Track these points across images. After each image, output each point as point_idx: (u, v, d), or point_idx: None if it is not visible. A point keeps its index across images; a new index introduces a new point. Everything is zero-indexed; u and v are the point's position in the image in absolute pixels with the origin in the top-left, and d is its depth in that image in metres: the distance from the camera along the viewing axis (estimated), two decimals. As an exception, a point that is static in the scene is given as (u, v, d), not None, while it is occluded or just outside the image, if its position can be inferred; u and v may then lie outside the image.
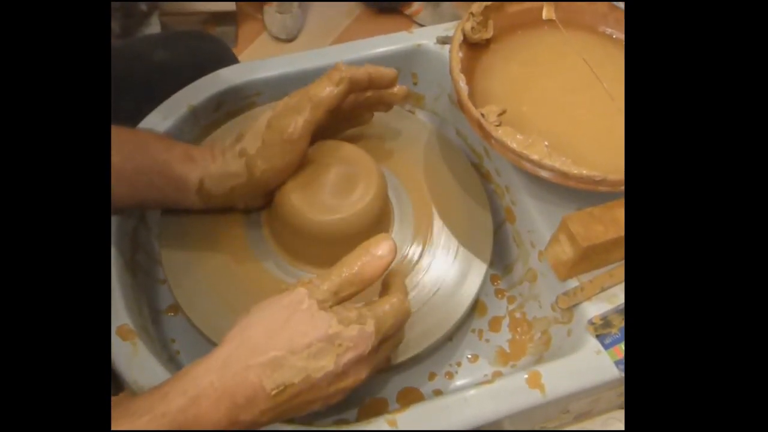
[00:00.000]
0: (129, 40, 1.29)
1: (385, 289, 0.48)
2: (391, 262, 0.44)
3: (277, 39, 1.67)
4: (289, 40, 1.67)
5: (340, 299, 0.43)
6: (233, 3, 1.60)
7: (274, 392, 0.39)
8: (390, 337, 0.46)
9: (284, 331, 0.40)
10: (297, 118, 0.51)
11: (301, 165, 0.54)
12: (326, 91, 0.51)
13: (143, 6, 1.34)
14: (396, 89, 0.58)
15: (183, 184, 0.52)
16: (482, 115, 0.54)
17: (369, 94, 0.58)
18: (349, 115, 0.60)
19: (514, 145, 0.52)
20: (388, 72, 0.56)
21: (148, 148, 0.52)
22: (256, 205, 0.57)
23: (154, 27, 1.42)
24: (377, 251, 0.44)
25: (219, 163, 0.53)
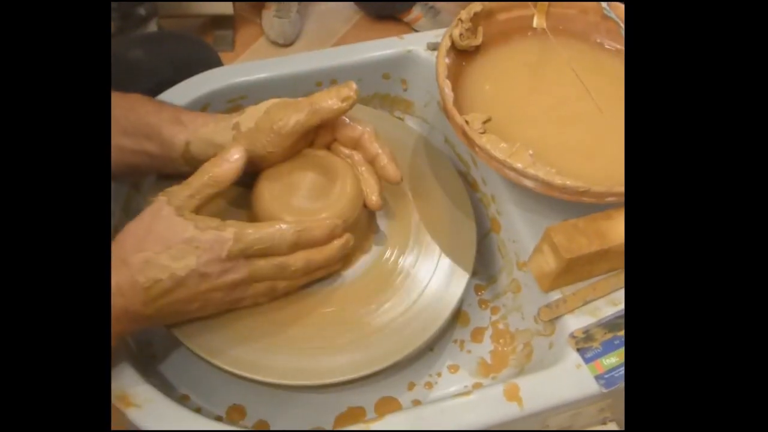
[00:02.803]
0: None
1: None
2: (243, 165, 0.49)
3: (275, 44, 1.67)
4: (287, 45, 1.67)
5: (199, 201, 0.48)
6: (231, 7, 1.60)
7: (146, 285, 0.45)
8: (263, 255, 0.48)
9: (149, 236, 0.46)
10: (292, 115, 0.51)
11: (282, 162, 0.54)
12: (328, 102, 0.51)
13: (142, 11, 1.33)
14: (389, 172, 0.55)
15: (170, 147, 0.53)
16: (466, 122, 0.53)
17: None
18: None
19: (497, 154, 0.51)
20: (394, 171, 0.55)
21: (137, 110, 0.53)
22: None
23: (151, 30, 1.42)
24: (230, 157, 0.49)
25: (209, 129, 0.53)
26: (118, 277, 0.45)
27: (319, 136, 0.56)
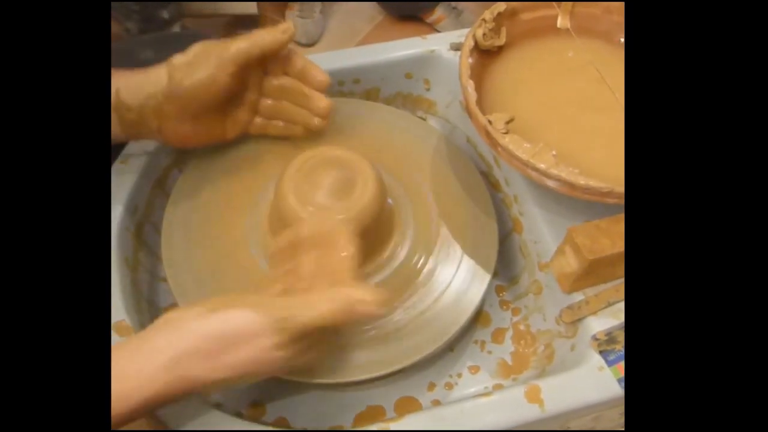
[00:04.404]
0: (124, 38, 1.29)
1: None
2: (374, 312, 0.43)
3: (298, 43, 1.67)
4: (310, 45, 1.67)
5: None
6: (255, 7, 1.60)
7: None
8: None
9: (228, 356, 0.40)
10: (231, 44, 0.52)
11: (295, 169, 0.54)
12: (270, 35, 0.53)
13: (165, 14, 1.34)
14: (322, 103, 0.57)
15: None
16: (489, 122, 0.53)
17: (296, 87, 0.58)
18: (276, 106, 0.59)
19: (520, 154, 0.51)
20: (321, 73, 0.57)
21: None
22: (175, 131, 0.55)
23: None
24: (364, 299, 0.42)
25: (139, 73, 0.52)
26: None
27: (249, 84, 0.56)
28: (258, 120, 0.60)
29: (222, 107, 0.56)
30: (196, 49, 0.52)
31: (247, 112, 0.58)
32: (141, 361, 0.39)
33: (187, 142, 0.57)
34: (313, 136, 0.61)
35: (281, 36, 0.53)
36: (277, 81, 0.58)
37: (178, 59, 0.51)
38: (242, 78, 0.55)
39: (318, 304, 0.41)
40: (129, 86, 0.51)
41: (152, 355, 0.39)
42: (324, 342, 0.46)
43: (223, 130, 0.58)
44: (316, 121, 0.58)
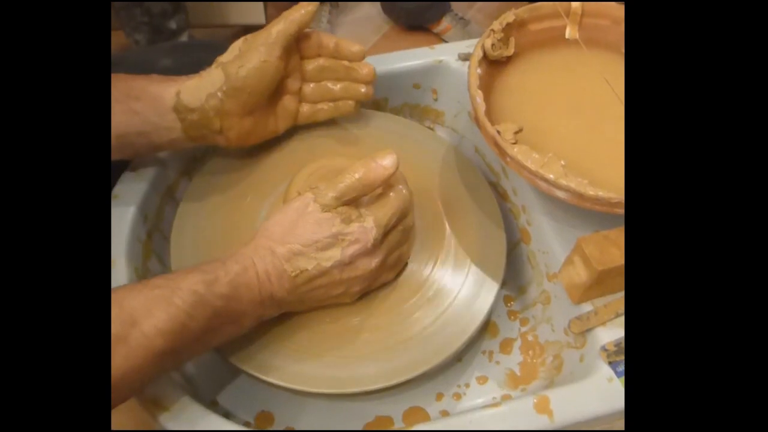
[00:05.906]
0: (137, 48, 1.30)
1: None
2: (394, 173, 0.49)
3: (306, 53, 1.68)
4: (317, 55, 1.68)
5: (343, 203, 0.49)
6: (263, 17, 1.61)
7: (293, 274, 0.48)
8: (395, 227, 0.52)
9: (296, 229, 0.48)
10: (271, 28, 0.55)
11: (303, 178, 0.54)
12: (298, 12, 0.55)
13: (173, 24, 1.35)
14: (365, 69, 0.60)
15: (160, 102, 0.54)
16: (498, 132, 0.53)
17: (335, 64, 0.60)
18: (319, 88, 0.62)
19: (529, 164, 0.51)
20: (354, 45, 0.59)
21: (125, 79, 0.54)
22: (234, 130, 0.57)
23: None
24: (382, 162, 0.49)
25: (197, 77, 0.55)
26: (266, 265, 0.47)
27: (290, 62, 0.58)
28: (305, 108, 0.62)
29: (273, 98, 0.59)
30: (238, 44, 0.56)
31: (294, 100, 0.61)
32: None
33: (246, 140, 0.59)
34: (320, 145, 0.61)
35: (309, 7, 0.55)
36: (314, 63, 0.60)
37: (226, 57, 0.55)
38: (286, 63, 0.57)
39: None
40: (188, 89, 0.54)
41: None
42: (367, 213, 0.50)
43: (275, 123, 0.61)
44: (363, 89, 0.61)
